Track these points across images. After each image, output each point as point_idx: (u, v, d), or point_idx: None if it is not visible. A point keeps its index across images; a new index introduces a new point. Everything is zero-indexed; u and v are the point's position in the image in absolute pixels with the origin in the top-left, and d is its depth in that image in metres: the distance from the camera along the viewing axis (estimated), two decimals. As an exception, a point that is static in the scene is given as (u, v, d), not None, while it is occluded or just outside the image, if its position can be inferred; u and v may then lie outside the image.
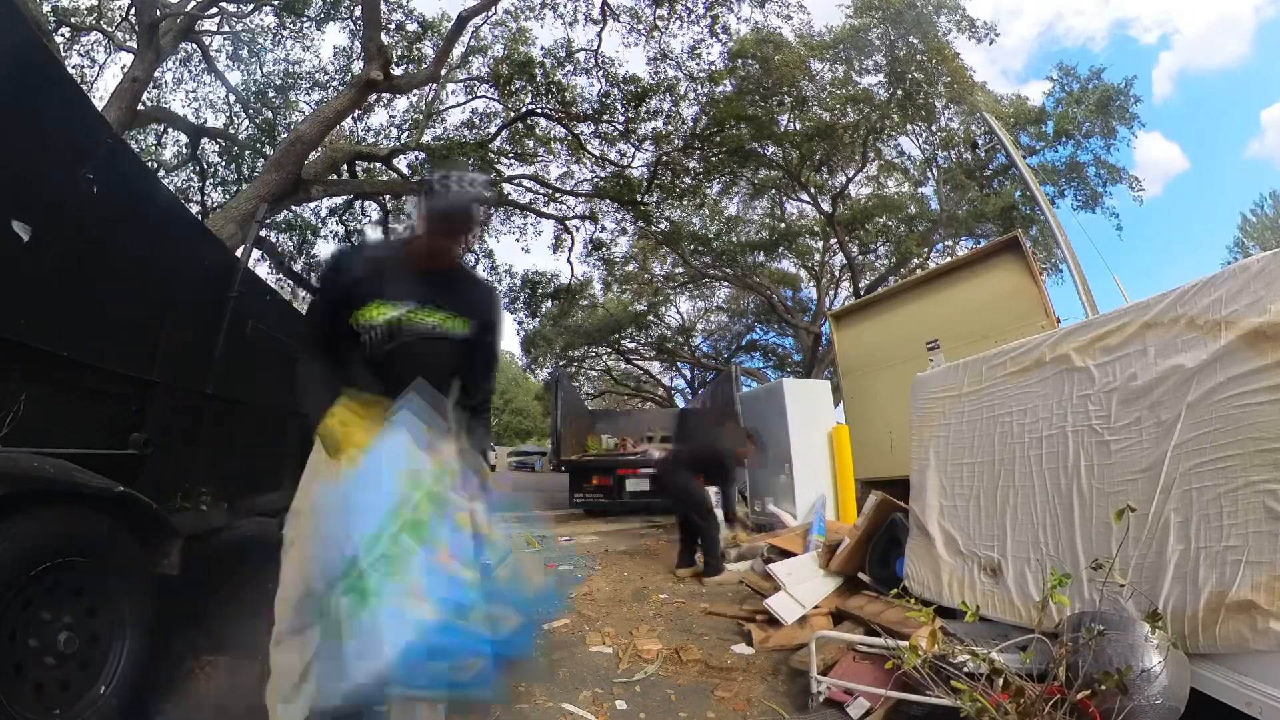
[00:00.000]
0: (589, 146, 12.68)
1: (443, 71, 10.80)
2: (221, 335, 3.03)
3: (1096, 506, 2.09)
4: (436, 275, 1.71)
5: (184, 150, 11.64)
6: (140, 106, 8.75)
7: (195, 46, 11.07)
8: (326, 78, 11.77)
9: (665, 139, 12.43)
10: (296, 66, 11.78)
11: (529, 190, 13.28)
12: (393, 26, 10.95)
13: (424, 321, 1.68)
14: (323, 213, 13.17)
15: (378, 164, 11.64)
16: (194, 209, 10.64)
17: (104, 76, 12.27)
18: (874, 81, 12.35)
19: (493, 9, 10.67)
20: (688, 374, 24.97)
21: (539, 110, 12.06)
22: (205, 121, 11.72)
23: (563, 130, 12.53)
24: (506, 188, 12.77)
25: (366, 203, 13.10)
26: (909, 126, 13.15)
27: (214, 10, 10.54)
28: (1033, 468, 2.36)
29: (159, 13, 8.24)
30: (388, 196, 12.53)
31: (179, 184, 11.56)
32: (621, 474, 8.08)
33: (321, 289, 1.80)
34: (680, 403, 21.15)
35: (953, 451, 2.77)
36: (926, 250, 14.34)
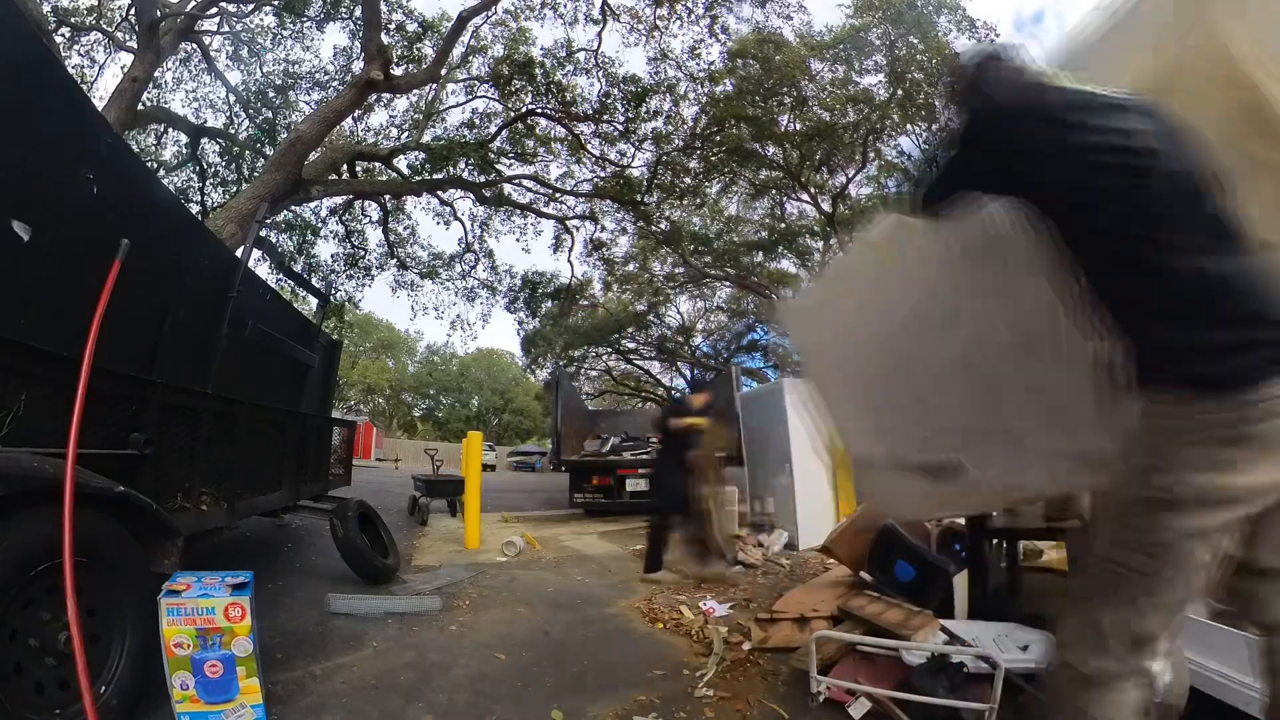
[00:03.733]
0: (589, 146, 12.68)
1: (443, 71, 10.79)
2: (221, 335, 3.03)
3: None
4: None
5: (184, 150, 11.62)
6: (140, 106, 8.75)
7: (195, 46, 11.05)
8: (326, 78, 11.75)
9: (665, 139, 12.42)
10: (296, 66, 11.77)
11: (529, 190, 13.28)
12: (393, 26, 10.93)
13: None
14: (323, 213, 13.16)
15: (378, 164, 11.63)
16: (194, 209, 10.64)
17: (104, 76, 12.18)
18: (874, 81, 12.33)
19: (493, 9, 10.66)
20: (688, 374, 24.95)
21: (539, 110, 12.05)
22: (205, 121, 11.71)
23: (563, 130, 12.52)
24: (507, 188, 12.77)
25: (366, 203, 13.10)
26: (909, 126, 13.13)
27: (214, 10, 10.53)
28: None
29: (159, 13, 8.24)
30: (388, 196, 12.53)
31: (179, 184, 11.55)
32: (622, 474, 8.08)
33: None
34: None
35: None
36: (927, 250, 14.31)
